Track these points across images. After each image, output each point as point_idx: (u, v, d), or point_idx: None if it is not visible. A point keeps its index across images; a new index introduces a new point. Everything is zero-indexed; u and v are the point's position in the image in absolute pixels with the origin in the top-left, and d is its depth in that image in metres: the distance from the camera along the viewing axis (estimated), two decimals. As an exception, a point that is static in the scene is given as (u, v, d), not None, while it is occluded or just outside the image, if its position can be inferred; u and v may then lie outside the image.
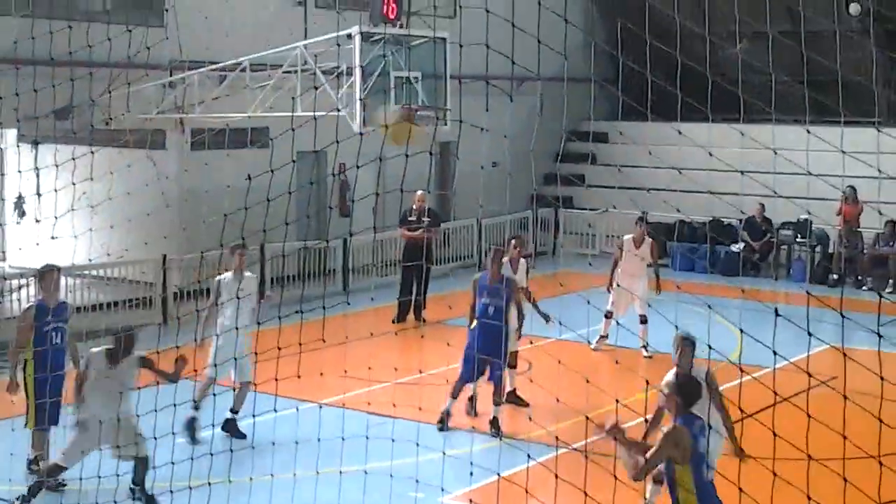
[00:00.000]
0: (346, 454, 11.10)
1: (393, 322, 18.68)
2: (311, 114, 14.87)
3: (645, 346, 16.16)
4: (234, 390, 12.90)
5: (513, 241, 14.30)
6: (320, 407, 13.20)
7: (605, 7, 28.82)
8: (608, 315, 16.37)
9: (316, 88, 14.96)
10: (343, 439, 10.48)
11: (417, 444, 10.32)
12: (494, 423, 12.79)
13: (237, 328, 11.55)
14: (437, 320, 18.04)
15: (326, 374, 13.26)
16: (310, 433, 12.33)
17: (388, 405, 12.54)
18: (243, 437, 12.52)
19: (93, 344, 11.74)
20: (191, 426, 12.31)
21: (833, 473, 8.24)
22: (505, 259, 13.53)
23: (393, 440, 10.24)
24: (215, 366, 12.56)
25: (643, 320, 16.35)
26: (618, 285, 16.11)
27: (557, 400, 11.45)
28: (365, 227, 22.61)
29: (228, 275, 13.08)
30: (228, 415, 12.86)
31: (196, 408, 12.24)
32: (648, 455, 7.82)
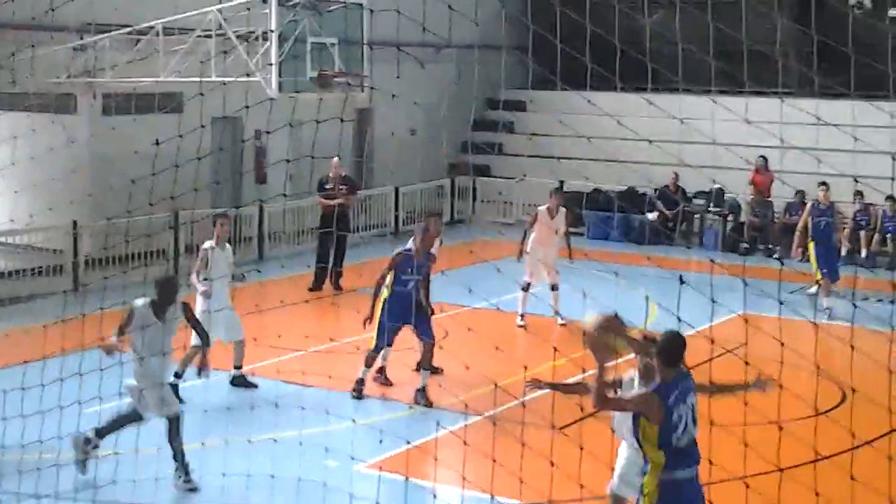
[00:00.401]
0: (257, 423, 11.08)
1: (309, 290, 18.58)
2: (223, 79, 14.77)
3: (557, 314, 16.25)
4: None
5: (433, 219, 14.00)
6: (232, 376, 13.16)
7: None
8: (525, 288, 16.37)
9: (225, 53, 14.77)
10: (252, 408, 10.43)
11: (328, 413, 10.32)
12: (423, 392, 12.66)
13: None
14: (352, 288, 17.98)
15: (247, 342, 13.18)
16: (219, 402, 12.34)
17: (300, 374, 12.53)
18: (255, 386, 13.07)
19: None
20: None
21: (735, 439, 8.39)
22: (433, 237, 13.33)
23: (303, 408, 10.22)
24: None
25: (554, 287, 16.45)
26: (526, 253, 16.17)
27: (467, 368, 11.51)
28: (281, 193, 22.47)
29: (212, 243, 13.24)
30: (234, 371, 13.17)
31: (178, 375, 12.25)
32: (624, 401, 7.76)
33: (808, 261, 18.04)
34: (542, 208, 16.74)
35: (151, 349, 10.03)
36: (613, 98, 21.14)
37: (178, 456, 9.94)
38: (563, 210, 16.77)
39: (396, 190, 24.58)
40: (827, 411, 11.51)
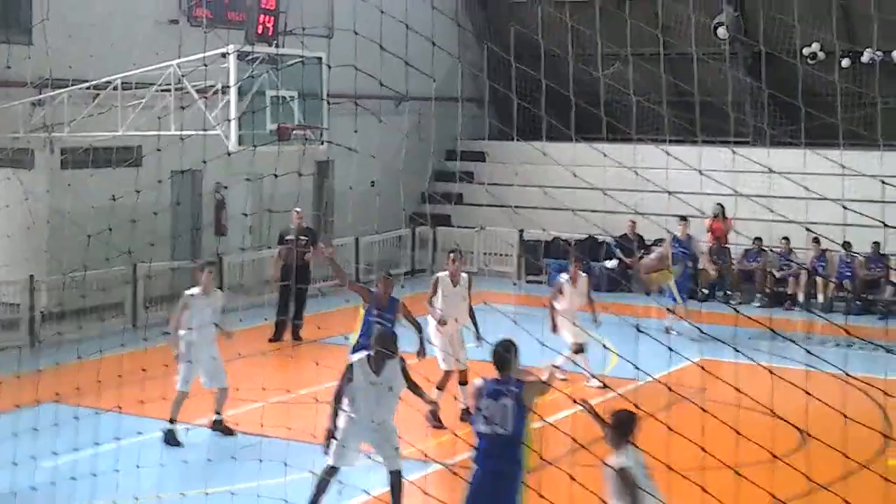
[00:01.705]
0: (215, 475, 10.98)
1: (269, 341, 18.51)
2: (182, 132, 14.80)
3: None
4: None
5: (451, 255, 14.14)
6: (188, 429, 13.03)
7: (478, 30, 29.16)
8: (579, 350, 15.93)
9: (183, 107, 14.80)
10: (209, 460, 10.35)
11: (286, 464, 10.24)
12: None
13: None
14: (313, 339, 17.93)
15: (196, 395, 13.10)
16: (177, 455, 12.22)
17: (259, 425, 12.44)
18: (232, 433, 13.08)
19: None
20: (172, 437, 12.69)
21: (693, 484, 8.42)
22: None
23: (261, 460, 10.14)
24: (187, 382, 12.96)
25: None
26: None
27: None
28: (240, 246, 22.44)
29: (197, 291, 13.31)
30: (214, 416, 13.21)
31: (172, 421, 12.60)
32: None
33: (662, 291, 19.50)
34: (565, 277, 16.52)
35: None
36: (570, 148, 21.35)
37: None
38: (583, 276, 16.54)
39: (357, 241, 24.59)
40: (783, 456, 11.58)
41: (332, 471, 9.97)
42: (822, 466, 10.21)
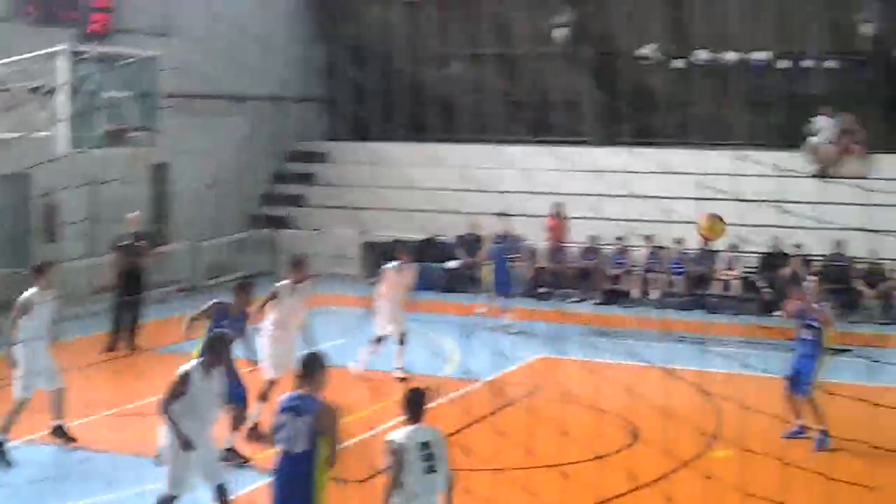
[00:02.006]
0: (49, 492, 10.57)
1: (106, 351, 17.93)
2: (9, 135, 14.28)
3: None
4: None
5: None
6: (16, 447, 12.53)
7: (322, 28, 28.96)
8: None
9: (10, 109, 14.26)
10: (31, 482, 9.96)
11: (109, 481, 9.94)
12: (232, 452, 11.81)
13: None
14: (150, 347, 17.49)
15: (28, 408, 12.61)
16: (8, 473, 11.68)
17: (93, 439, 12.08)
18: (74, 440, 12.41)
19: None
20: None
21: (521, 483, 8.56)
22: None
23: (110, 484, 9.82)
24: (28, 388, 12.33)
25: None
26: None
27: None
28: (74, 252, 21.71)
29: (34, 291, 12.71)
30: (53, 423, 12.52)
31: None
32: None
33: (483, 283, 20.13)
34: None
35: None
36: (412, 149, 21.43)
37: None
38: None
39: (195, 245, 24.10)
40: (616, 451, 11.86)
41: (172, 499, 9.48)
42: (654, 461, 10.52)
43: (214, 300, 12.34)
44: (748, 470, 9.00)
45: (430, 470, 7.72)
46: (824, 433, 12.47)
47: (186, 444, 9.16)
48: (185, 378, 9.32)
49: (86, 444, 12.24)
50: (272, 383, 12.77)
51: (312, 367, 8.02)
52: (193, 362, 9.60)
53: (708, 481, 8.91)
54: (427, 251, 23.57)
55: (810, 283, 13.30)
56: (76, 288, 21.16)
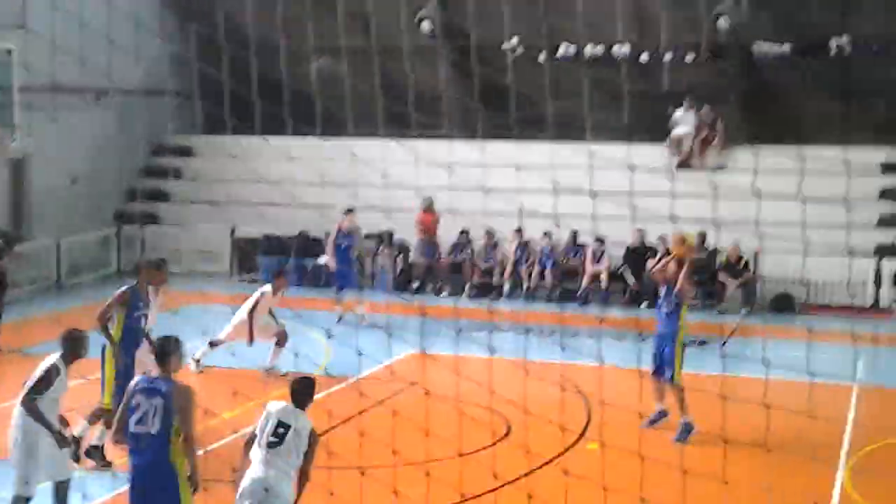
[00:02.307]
0: None
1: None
2: None
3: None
4: None
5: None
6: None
7: (182, 19, 28.39)
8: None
9: None
10: None
11: None
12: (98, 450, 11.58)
13: None
14: (13, 348, 16.94)
15: None
16: None
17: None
18: None
19: None
20: None
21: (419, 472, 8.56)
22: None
23: None
24: None
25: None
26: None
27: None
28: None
29: None
30: None
31: None
32: None
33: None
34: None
35: None
36: (284, 142, 21.13)
37: None
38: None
39: (58, 242, 23.41)
40: (494, 443, 11.95)
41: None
42: (519, 458, 10.62)
43: (125, 286, 11.95)
44: (610, 464, 9.13)
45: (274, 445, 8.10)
46: (688, 425, 12.76)
47: (62, 440, 9.10)
48: (52, 371, 9.19)
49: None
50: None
51: (167, 350, 8.19)
52: (56, 356, 9.38)
53: (569, 476, 9.01)
54: (300, 246, 23.45)
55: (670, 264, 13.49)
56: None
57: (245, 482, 8.08)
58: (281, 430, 8.11)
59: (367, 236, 23.88)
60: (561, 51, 26.01)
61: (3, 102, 17.74)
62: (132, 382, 8.33)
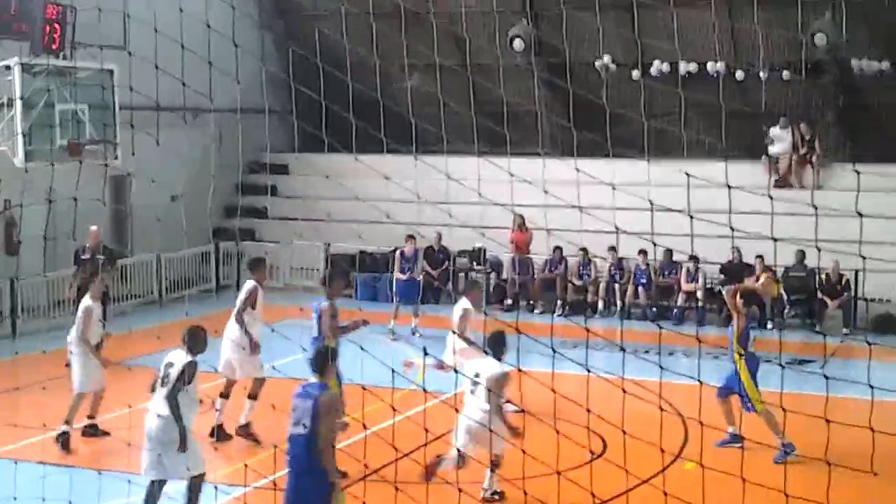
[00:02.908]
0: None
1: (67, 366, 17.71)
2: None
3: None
4: None
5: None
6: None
7: (279, 39, 28.87)
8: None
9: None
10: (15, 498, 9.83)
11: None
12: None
13: None
14: (116, 361, 17.31)
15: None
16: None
17: (54, 454, 11.94)
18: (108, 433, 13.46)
19: None
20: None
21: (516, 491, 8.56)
22: None
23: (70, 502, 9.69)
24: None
25: None
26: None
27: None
28: (33, 266, 21.47)
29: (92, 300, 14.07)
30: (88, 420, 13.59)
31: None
32: None
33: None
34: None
35: None
36: (370, 161, 21.18)
37: None
38: None
39: (158, 258, 23.91)
40: (583, 464, 11.85)
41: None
42: (618, 476, 10.52)
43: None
44: (707, 485, 8.99)
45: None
46: (786, 446, 12.52)
47: (183, 442, 9.88)
48: (190, 367, 10.07)
49: (48, 459, 12.10)
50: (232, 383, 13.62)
51: (323, 359, 9.01)
52: (182, 354, 10.24)
53: (668, 497, 8.90)
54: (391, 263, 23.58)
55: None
56: (36, 302, 21.00)
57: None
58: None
59: (461, 253, 24.02)
60: (654, 68, 25.79)
61: (104, 121, 18.12)
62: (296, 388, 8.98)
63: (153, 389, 10.26)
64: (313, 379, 8.92)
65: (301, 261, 25.17)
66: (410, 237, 21.45)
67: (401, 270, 21.30)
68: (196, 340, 10.29)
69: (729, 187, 11.61)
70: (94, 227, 18.65)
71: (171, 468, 9.96)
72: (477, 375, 10.78)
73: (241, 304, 13.54)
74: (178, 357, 10.20)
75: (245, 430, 13.27)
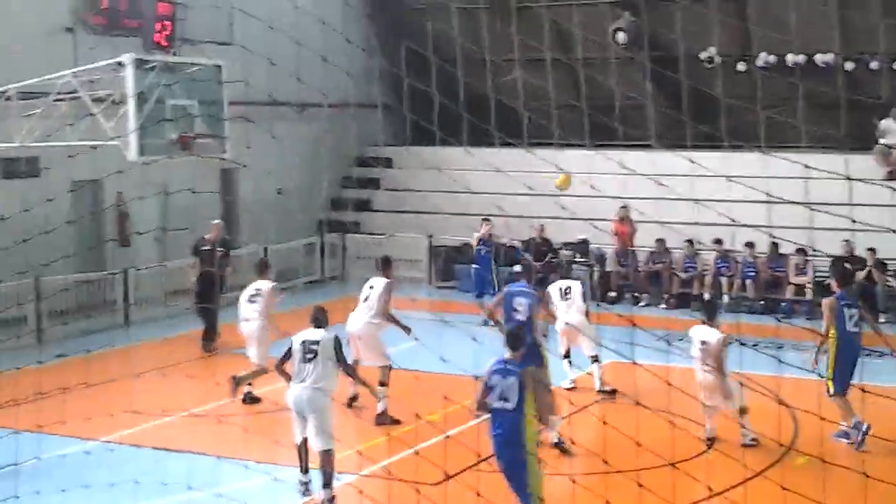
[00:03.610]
0: (142, 493, 10.69)
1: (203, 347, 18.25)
2: (81, 143, 14.45)
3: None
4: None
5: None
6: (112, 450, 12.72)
7: (386, 34, 29.06)
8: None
9: (90, 115, 14.41)
10: (137, 482, 10.09)
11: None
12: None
13: None
14: (228, 350, 17.70)
15: (114, 410, 12.86)
16: (104, 476, 11.77)
17: (170, 440, 12.21)
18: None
19: None
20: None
21: (630, 482, 8.53)
22: None
23: (190, 487, 9.91)
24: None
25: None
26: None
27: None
28: (146, 257, 22.01)
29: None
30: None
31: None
32: None
33: None
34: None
35: None
36: (473, 154, 21.29)
37: None
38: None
39: (265, 250, 24.28)
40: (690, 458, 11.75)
41: None
42: (731, 466, 10.41)
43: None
44: (821, 478, 8.85)
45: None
46: (849, 429, 12.62)
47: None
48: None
49: (163, 444, 12.38)
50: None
51: (517, 338, 9.64)
52: (322, 332, 11.22)
53: (794, 485, 8.79)
54: (497, 255, 23.63)
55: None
56: (151, 293, 21.51)
57: None
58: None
59: (564, 245, 23.91)
60: (761, 60, 25.35)
61: (213, 116, 18.41)
62: (489, 366, 9.43)
63: (282, 368, 11.20)
64: (507, 356, 9.44)
65: (404, 252, 25.34)
66: (485, 220, 21.34)
67: (476, 254, 21.24)
68: (325, 317, 11.31)
69: (849, 179, 11.42)
70: (216, 221, 19.38)
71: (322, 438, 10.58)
72: (704, 342, 12.49)
73: (384, 304, 14.35)
74: (318, 334, 11.06)
75: (385, 417, 13.72)
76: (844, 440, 12.66)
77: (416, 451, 9.77)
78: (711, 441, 12.47)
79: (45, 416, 12.69)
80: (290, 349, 11.05)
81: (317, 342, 10.90)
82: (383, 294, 14.30)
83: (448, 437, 9.89)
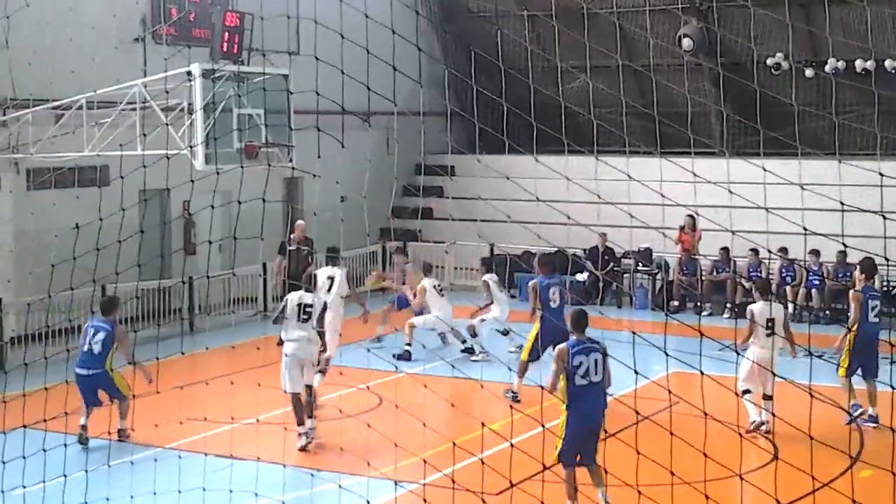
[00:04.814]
0: (209, 499, 10.81)
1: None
2: (149, 152, 14.67)
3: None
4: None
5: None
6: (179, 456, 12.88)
7: (453, 41, 29.16)
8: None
9: (155, 126, 14.62)
10: (203, 489, 10.20)
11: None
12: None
13: None
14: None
15: (182, 417, 13.02)
16: (173, 484, 11.90)
17: (240, 446, 12.33)
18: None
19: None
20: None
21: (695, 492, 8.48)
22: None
23: (256, 494, 9.99)
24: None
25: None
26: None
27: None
28: (211, 265, 22.24)
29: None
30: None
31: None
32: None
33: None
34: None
35: None
36: (538, 161, 21.24)
37: None
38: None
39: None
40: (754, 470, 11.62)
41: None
42: (795, 479, 10.28)
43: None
44: (888, 492, 8.70)
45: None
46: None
47: None
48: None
49: (230, 451, 12.48)
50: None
51: (581, 319, 10.73)
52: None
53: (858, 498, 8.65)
54: (559, 263, 23.57)
55: None
56: (216, 300, 21.76)
57: None
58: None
59: (627, 254, 23.81)
60: (829, 66, 25.04)
61: (279, 125, 18.60)
62: (565, 347, 10.52)
63: (278, 321, 13.75)
64: (574, 337, 10.53)
65: (465, 261, 25.38)
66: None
67: None
68: (313, 284, 14.11)
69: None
70: (300, 222, 20.57)
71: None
72: (770, 321, 13.28)
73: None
74: (310, 297, 13.75)
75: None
76: (871, 424, 13.44)
77: (481, 460, 9.77)
78: (760, 425, 13.23)
79: (115, 423, 12.94)
80: (284, 307, 13.64)
81: (311, 305, 13.60)
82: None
83: (513, 445, 9.86)
